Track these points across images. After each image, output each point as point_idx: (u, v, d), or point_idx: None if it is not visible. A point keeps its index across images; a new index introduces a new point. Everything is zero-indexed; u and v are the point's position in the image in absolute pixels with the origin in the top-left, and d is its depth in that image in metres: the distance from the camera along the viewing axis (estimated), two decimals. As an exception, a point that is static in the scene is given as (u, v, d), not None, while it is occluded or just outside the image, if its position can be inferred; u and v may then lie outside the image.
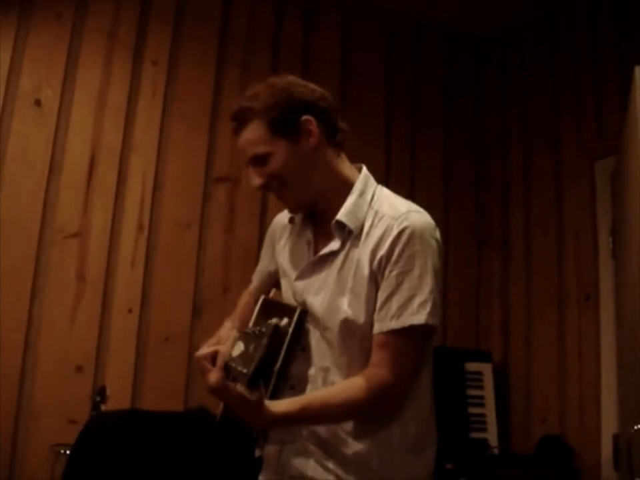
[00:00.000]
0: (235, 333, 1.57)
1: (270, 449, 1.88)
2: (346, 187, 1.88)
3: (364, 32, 4.34)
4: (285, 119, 1.82)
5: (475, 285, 4.34)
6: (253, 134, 1.82)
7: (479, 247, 4.38)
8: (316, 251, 1.92)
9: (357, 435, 1.77)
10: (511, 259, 4.25)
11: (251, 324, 1.83)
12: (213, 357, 1.58)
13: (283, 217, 2.10)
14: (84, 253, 3.42)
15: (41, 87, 3.45)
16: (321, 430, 1.79)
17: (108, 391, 2.99)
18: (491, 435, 3.79)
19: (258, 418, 1.58)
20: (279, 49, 4.08)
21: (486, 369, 3.95)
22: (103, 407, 2.92)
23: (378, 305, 1.76)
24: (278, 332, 1.51)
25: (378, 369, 1.72)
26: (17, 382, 3.20)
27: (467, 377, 3.87)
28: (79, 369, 3.32)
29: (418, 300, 1.73)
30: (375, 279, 1.77)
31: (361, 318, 1.77)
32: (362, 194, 1.87)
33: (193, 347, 3.53)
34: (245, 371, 1.46)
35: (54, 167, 3.42)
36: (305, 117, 1.83)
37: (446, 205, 4.32)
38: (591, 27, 3.90)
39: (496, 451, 3.75)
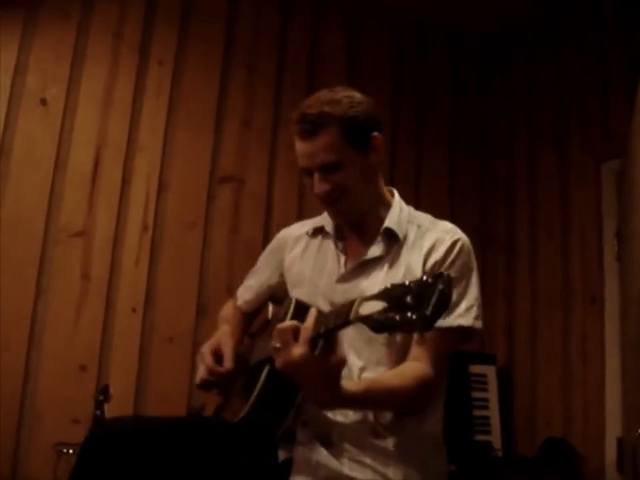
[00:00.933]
0: (358, 299, 1.44)
1: (300, 450, 1.84)
2: (385, 203, 1.98)
3: (369, 32, 4.34)
4: (360, 132, 1.87)
5: (480, 287, 4.33)
6: (328, 140, 1.83)
7: (484, 249, 4.36)
8: (347, 259, 1.97)
9: (395, 430, 1.80)
10: (516, 261, 4.24)
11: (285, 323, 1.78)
12: (294, 330, 1.54)
13: (294, 229, 2.16)
14: (88, 251, 3.42)
15: (47, 85, 3.45)
16: (357, 425, 1.80)
17: (111, 390, 2.98)
18: (495, 438, 3.78)
19: (332, 395, 1.57)
20: (285, 49, 4.08)
21: (490, 372, 3.94)
22: (106, 407, 2.91)
23: None
24: (452, 282, 1.36)
25: (419, 362, 1.77)
26: (20, 380, 3.20)
27: (471, 380, 3.86)
28: (83, 368, 3.32)
29: (465, 305, 1.82)
30: None
31: None
32: (401, 209, 1.98)
33: (196, 347, 3.51)
34: (414, 316, 1.29)
35: (59, 166, 3.43)
36: (376, 134, 1.90)
37: (451, 206, 4.31)
38: (598, 28, 3.89)
39: (500, 454, 3.73)
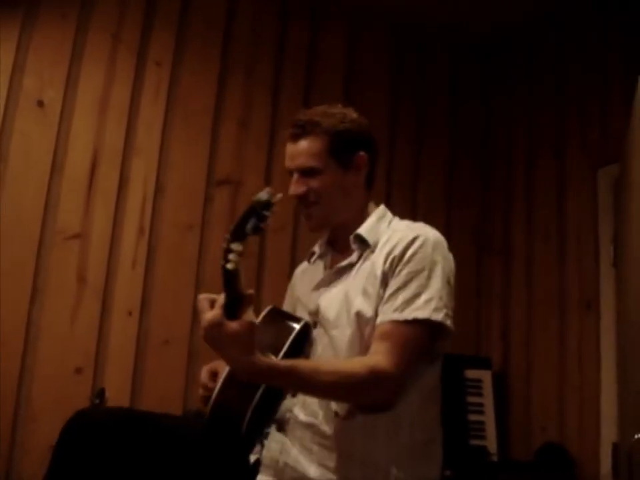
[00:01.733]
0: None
1: (270, 451, 1.89)
2: (365, 218, 1.99)
3: (369, 36, 4.34)
4: (345, 148, 1.93)
5: (475, 291, 4.33)
6: (312, 146, 1.91)
7: (480, 253, 4.37)
8: (331, 269, 2.01)
9: (367, 435, 1.78)
10: (512, 265, 4.24)
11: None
12: (212, 300, 1.60)
13: (303, 264, 2.21)
14: (85, 254, 3.42)
15: (44, 87, 3.45)
16: (327, 427, 1.81)
17: (107, 394, 2.99)
18: (490, 443, 3.78)
19: (247, 359, 1.56)
20: (283, 52, 4.08)
21: (486, 376, 3.94)
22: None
23: (385, 298, 1.80)
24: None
25: (376, 355, 1.73)
26: (15, 383, 3.19)
27: (466, 384, 3.87)
28: (79, 370, 3.31)
29: (424, 297, 1.77)
30: (386, 278, 1.82)
31: (372, 315, 1.81)
32: (380, 218, 1.99)
33: (192, 351, 3.53)
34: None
35: (56, 168, 3.42)
36: (361, 153, 1.95)
37: (448, 209, 4.31)
38: (598, 32, 3.90)
39: (495, 459, 3.74)
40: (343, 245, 1.99)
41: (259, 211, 1.54)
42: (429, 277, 1.79)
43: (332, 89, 4.12)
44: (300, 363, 1.68)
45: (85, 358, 3.34)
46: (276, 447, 1.90)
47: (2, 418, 3.12)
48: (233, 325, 1.53)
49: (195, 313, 3.52)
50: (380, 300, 1.81)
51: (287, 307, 2.20)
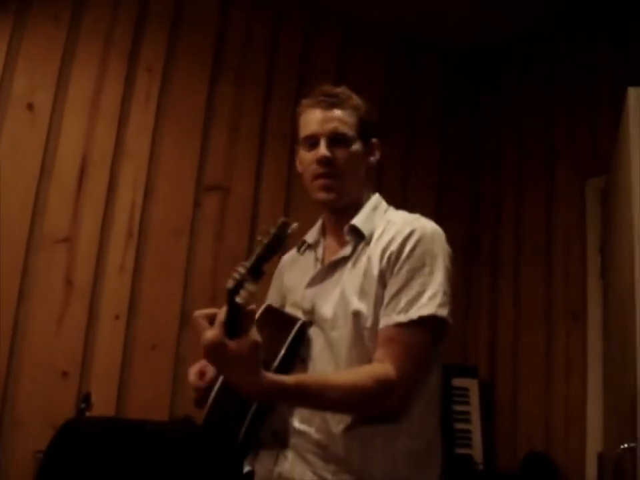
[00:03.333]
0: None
1: (263, 461, 1.84)
2: (361, 205, 1.95)
3: (360, 46, 4.34)
4: (368, 130, 1.93)
5: (463, 300, 4.33)
6: (347, 116, 1.89)
7: (469, 263, 4.38)
8: (322, 266, 1.95)
9: (363, 443, 1.73)
10: (500, 276, 4.25)
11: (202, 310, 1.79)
12: (211, 318, 1.52)
13: (291, 252, 2.15)
14: (72, 258, 3.41)
15: (34, 90, 3.43)
16: (323, 436, 1.75)
17: (93, 398, 2.98)
18: (476, 451, 3.78)
19: (252, 380, 1.49)
20: (275, 58, 4.08)
21: (472, 385, 3.95)
22: (87, 414, 2.90)
23: (386, 301, 1.75)
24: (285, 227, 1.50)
25: (382, 364, 1.68)
26: (1, 387, 3.17)
27: (453, 393, 3.87)
28: (65, 374, 3.30)
29: (428, 294, 1.72)
30: (384, 277, 1.78)
31: (370, 315, 1.77)
32: (375, 208, 1.95)
33: (179, 355, 3.52)
34: (246, 264, 1.43)
35: (44, 172, 3.41)
36: (377, 140, 1.97)
37: (437, 220, 4.26)
38: (588, 46, 3.92)
39: (481, 467, 3.74)
40: (337, 232, 1.94)
41: (276, 246, 1.48)
42: (430, 273, 1.75)
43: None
44: (307, 380, 1.63)
45: (71, 362, 3.32)
46: (270, 457, 1.83)
47: (-14, 421, 3.11)
48: (236, 345, 1.45)
49: (183, 318, 3.53)
50: (378, 300, 1.76)
51: (273, 297, 2.14)
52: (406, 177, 4.33)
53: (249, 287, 1.42)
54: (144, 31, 3.74)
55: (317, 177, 1.88)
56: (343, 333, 1.79)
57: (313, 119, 1.89)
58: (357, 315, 1.77)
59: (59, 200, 3.42)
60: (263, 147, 3.94)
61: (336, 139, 1.86)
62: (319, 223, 2.06)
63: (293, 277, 2.05)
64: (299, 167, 1.98)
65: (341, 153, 1.86)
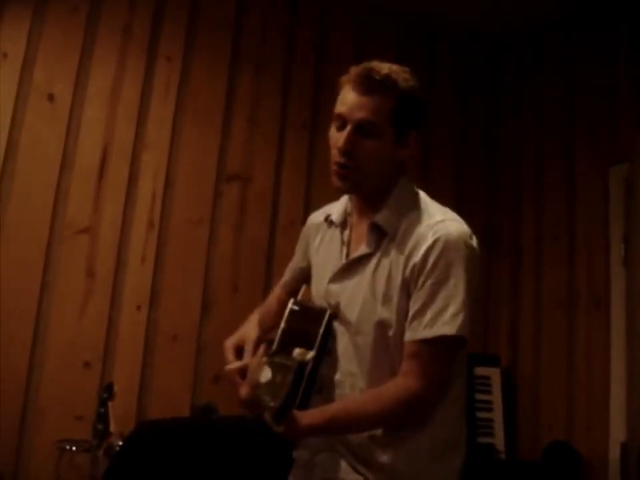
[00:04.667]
0: (264, 359, 1.61)
1: (302, 452, 1.87)
2: (389, 195, 1.90)
3: (377, 33, 4.31)
4: (406, 120, 1.85)
5: (484, 289, 4.31)
6: (381, 105, 1.81)
7: (490, 252, 4.35)
8: (349, 252, 1.93)
9: (387, 443, 1.77)
10: (522, 264, 4.22)
11: (280, 330, 1.83)
12: (242, 370, 1.61)
13: (318, 215, 2.12)
14: (94, 248, 3.42)
15: (54, 81, 3.45)
16: (352, 436, 1.79)
17: (115, 388, 2.98)
18: (498, 440, 3.77)
19: (289, 428, 1.61)
20: (293, 48, 4.07)
21: (494, 374, 3.93)
22: (110, 404, 2.91)
23: (412, 314, 1.76)
24: (303, 368, 1.61)
25: (407, 379, 1.72)
26: (24, 377, 3.20)
27: (475, 382, 3.86)
28: (87, 364, 3.32)
29: (451, 310, 1.73)
30: (407, 286, 1.78)
31: (393, 323, 1.78)
32: (401, 200, 1.89)
33: (201, 345, 3.53)
34: (271, 404, 1.52)
35: (66, 162, 3.43)
36: (415, 132, 1.87)
37: (457, 210, 4.23)
38: (609, 33, 3.87)
39: (502, 456, 3.73)
40: (363, 214, 1.92)
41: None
42: (455, 285, 1.74)
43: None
44: (338, 413, 1.71)
45: (94, 352, 3.34)
46: (305, 448, 1.87)
47: (10, 411, 3.13)
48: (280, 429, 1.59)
49: (204, 308, 3.55)
50: (401, 308, 1.77)
51: (298, 257, 2.17)
52: (424, 167, 4.29)
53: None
54: (162, 21, 3.74)
55: (334, 163, 1.86)
56: (367, 340, 1.81)
57: (347, 99, 1.83)
58: (381, 323, 1.79)
59: (80, 191, 3.43)
60: (282, 136, 3.93)
61: (363, 129, 1.81)
62: (344, 200, 2.03)
63: (320, 253, 2.04)
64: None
65: (364, 145, 1.82)
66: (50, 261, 3.33)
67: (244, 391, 1.60)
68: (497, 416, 3.83)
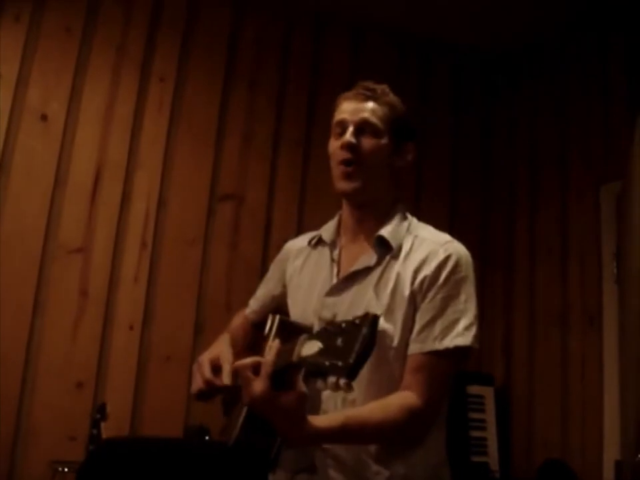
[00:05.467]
0: (302, 337, 1.47)
1: (279, 473, 1.81)
2: (389, 212, 1.91)
3: (371, 49, 4.33)
4: (402, 130, 1.92)
5: (478, 306, 4.30)
6: (380, 110, 1.88)
7: (483, 268, 4.35)
8: (339, 270, 1.91)
9: (381, 460, 1.73)
10: (515, 281, 4.23)
11: (269, 342, 1.76)
12: (255, 367, 1.50)
13: (298, 241, 2.11)
14: (87, 268, 3.42)
15: (48, 100, 3.46)
16: (344, 454, 1.74)
17: (108, 408, 2.98)
18: (492, 459, 3.76)
19: (299, 431, 1.51)
20: (288, 66, 4.08)
21: (488, 392, 3.92)
22: (102, 425, 2.90)
23: (419, 327, 1.74)
24: (376, 320, 1.37)
25: (409, 392, 1.69)
26: (16, 397, 3.19)
27: (468, 400, 3.85)
28: (80, 385, 3.30)
29: (463, 323, 1.74)
30: (415, 299, 1.76)
31: (396, 335, 1.75)
32: (402, 219, 1.91)
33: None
34: (340, 363, 1.32)
35: (59, 182, 3.43)
36: (412, 144, 1.94)
37: (450, 224, 4.29)
38: (602, 49, 3.90)
39: (497, 475, 3.72)
40: (357, 232, 1.91)
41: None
42: (466, 301, 1.76)
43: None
44: (347, 423, 1.61)
45: (86, 372, 3.33)
46: (283, 469, 1.81)
47: (3, 432, 3.12)
48: (285, 399, 1.46)
49: (197, 328, 3.53)
50: (406, 320, 1.75)
51: (271, 284, 2.14)
52: (418, 181, 4.30)
53: (349, 393, 1.41)
54: (156, 40, 3.75)
55: (340, 162, 1.85)
56: None
57: (346, 108, 1.88)
58: (382, 335, 1.72)
59: (73, 210, 3.43)
60: (276, 154, 3.94)
61: (364, 128, 1.85)
62: (335, 219, 2.01)
63: (304, 278, 2.00)
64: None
65: (367, 142, 1.84)
66: (43, 281, 3.33)
67: (259, 386, 1.48)
68: (491, 434, 3.82)
